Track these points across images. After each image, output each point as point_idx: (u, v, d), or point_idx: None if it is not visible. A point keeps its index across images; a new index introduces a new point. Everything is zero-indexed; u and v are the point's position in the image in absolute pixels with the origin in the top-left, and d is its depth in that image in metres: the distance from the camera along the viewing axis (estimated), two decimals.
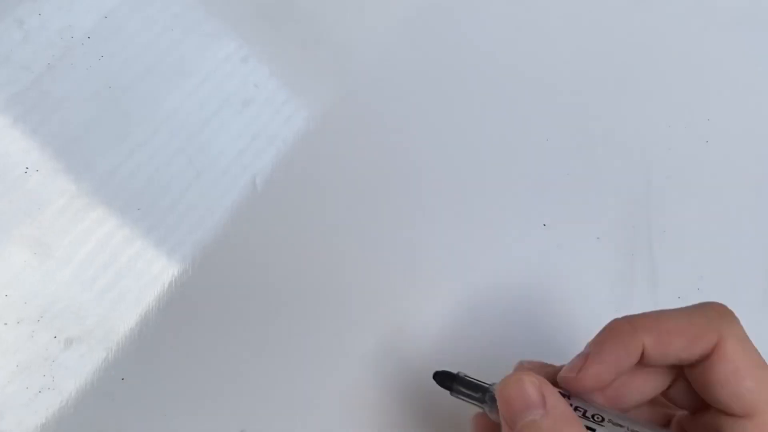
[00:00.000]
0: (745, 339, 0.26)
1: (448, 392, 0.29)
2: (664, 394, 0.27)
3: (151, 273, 0.31)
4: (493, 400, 0.27)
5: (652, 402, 0.27)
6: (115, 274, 0.30)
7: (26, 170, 0.30)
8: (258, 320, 0.32)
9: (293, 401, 0.32)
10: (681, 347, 0.25)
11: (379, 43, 0.37)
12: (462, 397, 0.29)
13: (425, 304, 0.33)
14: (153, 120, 0.32)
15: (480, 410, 0.28)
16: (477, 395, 0.28)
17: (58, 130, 0.31)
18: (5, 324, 0.29)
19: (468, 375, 0.29)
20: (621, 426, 0.25)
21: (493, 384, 0.28)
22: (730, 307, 0.39)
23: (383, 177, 0.36)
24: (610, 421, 0.25)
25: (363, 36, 0.37)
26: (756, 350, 0.26)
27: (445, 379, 0.30)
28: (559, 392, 0.25)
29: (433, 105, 0.37)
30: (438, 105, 0.37)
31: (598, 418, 0.25)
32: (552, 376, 0.26)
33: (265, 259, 0.33)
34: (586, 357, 0.25)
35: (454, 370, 0.29)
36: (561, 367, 0.26)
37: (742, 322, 0.39)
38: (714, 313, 0.26)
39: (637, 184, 0.39)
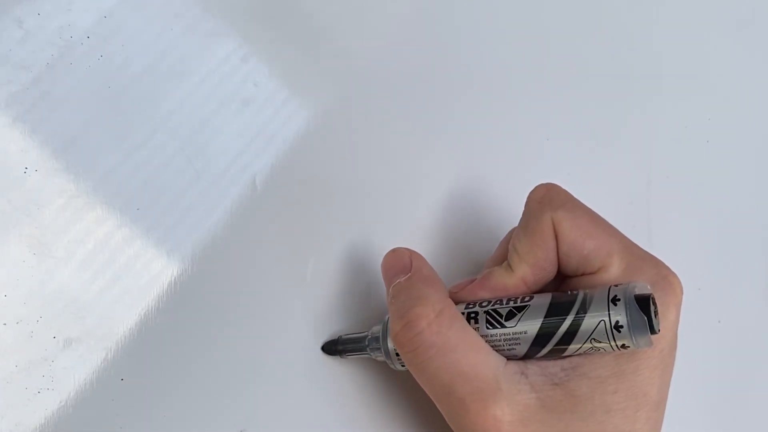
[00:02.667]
0: (573, 208, 0.28)
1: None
2: None
3: (150, 273, 0.31)
4: (372, 342, 0.30)
5: None
6: (115, 274, 0.30)
7: (25, 170, 0.30)
8: (258, 320, 0.32)
9: (293, 401, 0.31)
10: (546, 267, 0.27)
11: (379, 43, 0.37)
12: (352, 355, 0.31)
13: None
14: (152, 119, 0.32)
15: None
16: (361, 345, 0.30)
17: (57, 130, 0.31)
18: (4, 324, 0.29)
19: (347, 333, 0.31)
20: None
21: (370, 329, 0.30)
22: (730, 306, 0.39)
23: (383, 177, 0.36)
24: (486, 312, 0.27)
25: (363, 36, 0.37)
26: (587, 211, 0.28)
27: (330, 347, 0.31)
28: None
29: (433, 105, 0.37)
30: (438, 105, 0.37)
31: (473, 314, 0.27)
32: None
33: (264, 260, 0.33)
34: (470, 281, 0.29)
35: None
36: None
37: (743, 322, 0.39)
38: (540, 209, 0.28)
39: (637, 184, 0.39)
